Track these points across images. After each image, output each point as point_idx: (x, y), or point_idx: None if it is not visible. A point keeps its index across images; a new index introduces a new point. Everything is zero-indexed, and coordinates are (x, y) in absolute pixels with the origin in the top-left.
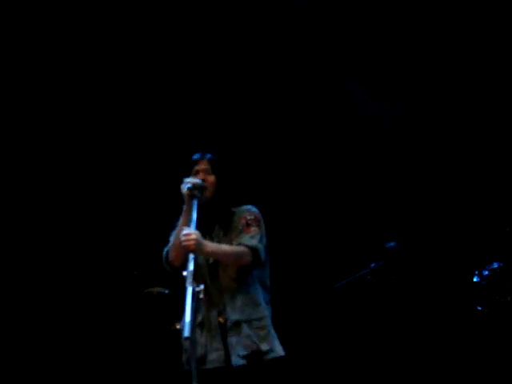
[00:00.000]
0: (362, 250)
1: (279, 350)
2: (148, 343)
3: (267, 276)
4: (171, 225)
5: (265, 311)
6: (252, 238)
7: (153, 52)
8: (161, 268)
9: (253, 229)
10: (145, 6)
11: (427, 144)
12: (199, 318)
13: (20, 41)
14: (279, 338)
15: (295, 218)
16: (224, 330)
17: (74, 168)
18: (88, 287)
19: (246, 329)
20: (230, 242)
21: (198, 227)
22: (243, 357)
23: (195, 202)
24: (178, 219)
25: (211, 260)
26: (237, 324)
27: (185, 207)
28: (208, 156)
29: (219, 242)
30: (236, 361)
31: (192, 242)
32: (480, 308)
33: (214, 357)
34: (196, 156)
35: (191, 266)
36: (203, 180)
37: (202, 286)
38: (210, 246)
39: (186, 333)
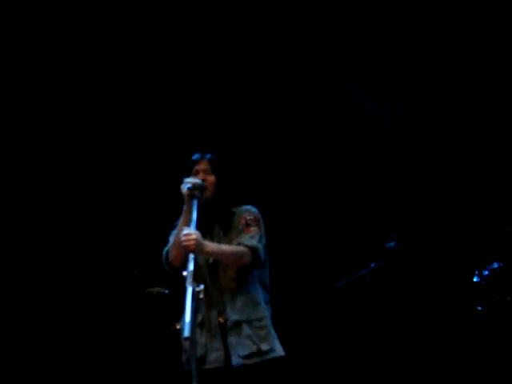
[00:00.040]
0: (362, 250)
1: (279, 350)
2: (148, 343)
3: (267, 276)
4: (171, 225)
5: (265, 311)
6: (252, 237)
7: (153, 52)
8: (161, 268)
9: (252, 229)
10: (145, 6)
11: (427, 144)
12: (199, 318)
13: (20, 41)
14: (279, 337)
15: (295, 218)
16: (224, 330)
17: (74, 168)
18: (88, 287)
19: (246, 329)
20: (229, 242)
21: (197, 227)
22: (243, 357)
23: (195, 202)
24: (177, 219)
25: (211, 260)
26: (237, 324)
27: (185, 207)
28: (208, 156)
29: (219, 241)
30: (236, 361)
31: (192, 242)
32: (480, 308)
33: (214, 357)
34: (196, 156)
35: (191, 266)
36: (203, 180)
37: (202, 286)
38: (210, 246)
39: (186, 333)
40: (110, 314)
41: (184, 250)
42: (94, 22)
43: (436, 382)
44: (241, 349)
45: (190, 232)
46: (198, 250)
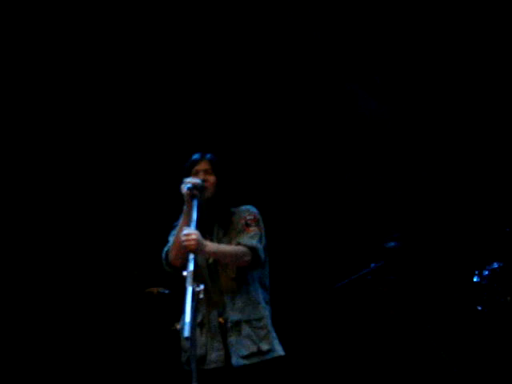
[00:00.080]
0: (362, 250)
1: (279, 350)
2: (148, 343)
3: (267, 276)
4: (171, 225)
5: (265, 311)
6: (251, 238)
7: (153, 52)
8: (161, 268)
9: (252, 229)
10: (145, 6)
11: (427, 144)
12: (199, 318)
13: (20, 41)
14: (279, 337)
15: (295, 218)
16: (224, 330)
17: (74, 168)
18: (88, 287)
19: (246, 329)
20: (229, 242)
21: (197, 227)
22: (243, 357)
23: (195, 202)
24: (177, 219)
25: (211, 260)
26: (237, 324)
27: (185, 207)
28: (208, 156)
29: (219, 241)
30: (236, 361)
31: (193, 242)
32: (480, 308)
33: (214, 357)
34: (196, 156)
35: (191, 266)
36: (204, 180)
37: (202, 286)
38: (211, 246)
39: (186, 333)
40: (110, 313)
41: (184, 250)
42: (94, 22)
43: (436, 381)
44: (241, 349)
45: (190, 232)
46: (198, 250)
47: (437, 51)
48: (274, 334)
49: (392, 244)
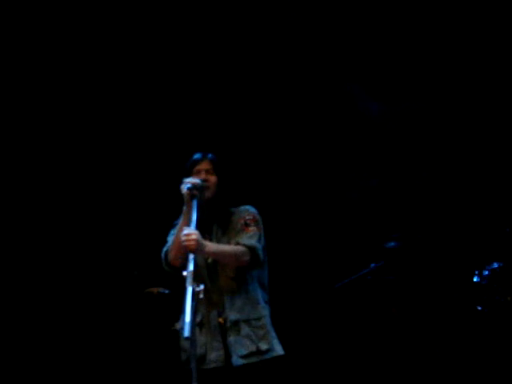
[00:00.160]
0: (362, 250)
1: (278, 350)
2: (148, 343)
3: (266, 276)
4: (171, 225)
5: (264, 311)
6: (250, 237)
7: (153, 52)
8: (161, 268)
9: (251, 229)
10: (145, 6)
11: (427, 144)
12: (198, 318)
13: (20, 41)
14: (279, 337)
15: (295, 218)
16: (224, 330)
17: (74, 168)
18: (88, 287)
19: (245, 328)
20: (228, 242)
21: (197, 227)
22: (242, 356)
23: (195, 202)
24: (176, 219)
25: (210, 260)
26: (236, 323)
27: (185, 207)
28: (209, 156)
29: (218, 241)
30: (235, 360)
31: (192, 242)
32: (480, 308)
33: (214, 356)
34: (197, 156)
35: (191, 266)
36: (204, 180)
37: (202, 286)
38: (211, 246)
39: (186, 333)
40: (111, 314)
41: (184, 250)
42: (94, 21)
43: (436, 381)
44: (240, 348)
45: (190, 232)
46: (198, 250)
47: (437, 51)
48: (273, 334)
49: (392, 244)
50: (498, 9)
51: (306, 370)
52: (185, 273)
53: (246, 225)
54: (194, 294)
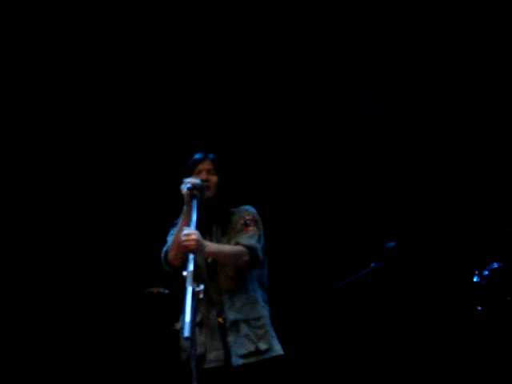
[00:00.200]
0: (362, 250)
1: (278, 349)
2: (148, 343)
3: (265, 276)
4: (171, 225)
5: (263, 311)
6: (250, 237)
7: (153, 52)
8: (161, 268)
9: (251, 229)
10: (145, 6)
11: (427, 144)
12: (198, 318)
13: (20, 41)
14: (279, 337)
15: (295, 218)
16: (223, 330)
17: (74, 168)
18: (88, 287)
19: (244, 328)
20: (228, 242)
21: (197, 227)
22: (242, 356)
23: (195, 202)
24: (176, 219)
25: (210, 260)
26: (235, 323)
27: (185, 207)
28: (211, 156)
29: (217, 241)
30: (235, 360)
31: (193, 243)
32: (480, 308)
33: (214, 356)
34: (198, 156)
35: (191, 266)
36: (205, 180)
37: (202, 286)
38: (211, 246)
39: (186, 333)
40: (111, 314)
41: (184, 250)
42: (94, 21)
43: (436, 381)
44: (239, 348)
45: (190, 232)
46: (198, 250)
47: (437, 51)
48: (272, 334)
49: (392, 244)
50: (498, 9)
51: (305, 370)
52: (185, 273)
53: (246, 225)
54: (194, 294)
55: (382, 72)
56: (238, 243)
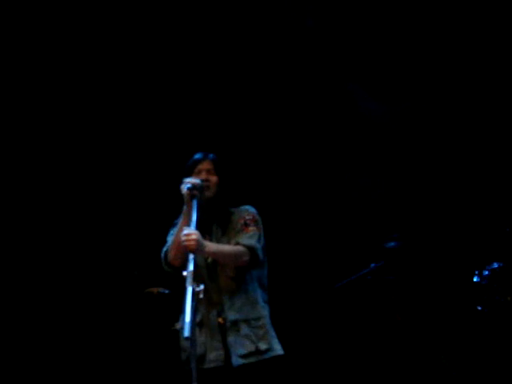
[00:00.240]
0: (362, 250)
1: (278, 349)
2: (148, 343)
3: (265, 276)
4: (171, 225)
5: (263, 311)
6: (250, 237)
7: (153, 52)
8: (161, 268)
9: (251, 229)
10: (145, 6)
11: (428, 144)
12: (198, 318)
13: (20, 41)
14: (279, 337)
15: (295, 218)
16: (223, 330)
17: (74, 168)
18: (88, 287)
19: (244, 328)
20: (228, 242)
21: (197, 227)
22: (241, 356)
23: (195, 202)
24: (176, 219)
25: (209, 259)
26: (235, 323)
27: (185, 207)
28: (211, 156)
29: (217, 241)
30: (235, 360)
31: (193, 243)
32: (480, 308)
33: (214, 356)
34: (198, 155)
35: (191, 266)
36: (205, 180)
37: (202, 286)
38: (211, 246)
39: (186, 333)
40: (111, 314)
41: (184, 250)
42: (94, 21)
43: (436, 381)
44: (239, 348)
45: (190, 232)
46: (198, 250)
47: (437, 51)
48: (272, 334)
49: (392, 244)
50: (498, 9)
51: (305, 370)
52: (185, 273)
53: (246, 225)
54: (194, 294)
55: (382, 72)
56: (237, 243)
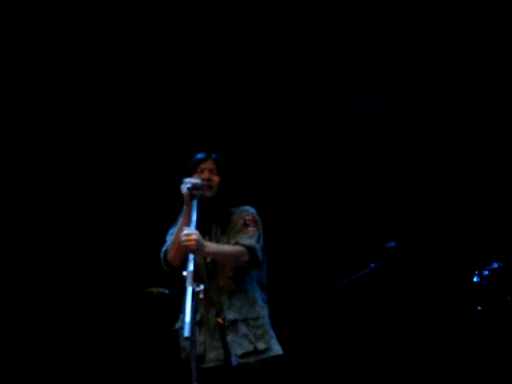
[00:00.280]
0: (362, 250)
1: (276, 349)
2: (148, 343)
3: (265, 276)
4: (171, 225)
5: (262, 311)
6: (249, 238)
7: (154, 52)
8: (161, 268)
9: (250, 229)
10: (145, 6)
11: (427, 144)
12: (197, 317)
13: (20, 41)
14: (279, 337)
15: (295, 218)
16: (223, 329)
17: (75, 168)
18: (88, 287)
19: (242, 328)
20: (227, 242)
21: (197, 227)
22: (240, 356)
23: (195, 202)
24: (176, 219)
25: (209, 259)
26: (234, 323)
27: (185, 207)
28: (213, 156)
29: (217, 241)
30: (234, 360)
31: (193, 243)
32: (480, 308)
33: (213, 355)
34: (201, 155)
35: (191, 266)
36: (207, 179)
37: (202, 286)
38: (210, 246)
39: (186, 333)
40: (111, 314)
41: (184, 250)
42: (94, 21)
43: (436, 381)
44: (237, 348)
45: (190, 232)
46: (198, 250)
47: (436, 51)
48: (271, 334)
49: (392, 244)
50: (497, 9)
51: (305, 370)
52: (185, 273)
53: (246, 225)
54: (194, 294)
55: (382, 72)
56: (237, 243)
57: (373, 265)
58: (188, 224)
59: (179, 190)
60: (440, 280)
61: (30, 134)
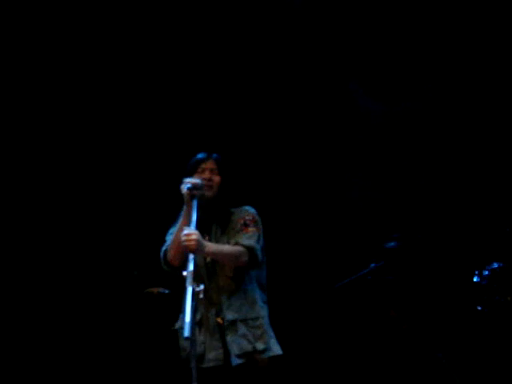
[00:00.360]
0: (362, 250)
1: (276, 349)
2: (148, 343)
3: (265, 276)
4: (171, 225)
5: (262, 311)
6: (249, 238)
7: (154, 52)
8: (161, 268)
9: (250, 229)
10: (145, 6)
11: (427, 144)
12: (197, 317)
13: (20, 41)
14: (278, 337)
15: (295, 218)
16: (222, 329)
17: (75, 168)
18: (88, 287)
19: (242, 328)
20: (227, 242)
21: (197, 226)
22: (239, 356)
23: (195, 202)
24: (176, 219)
25: (208, 259)
26: (233, 323)
27: (185, 207)
28: (215, 156)
29: (217, 241)
30: (233, 360)
31: (193, 243)
32: (480, 308)
33: (213, 355)
34: (202, 155)
35: (191, 266)
36: (208, 179)
37: (202, 286)
38: (210, 246)
39: (186, 333)
40: (111, 314)
41: (184, 250)
42: (94, 21)
43: (436, 382)
44: (236, 348)
45: (190, 232)
46: (198, 250)
47: (436, 51)
48: (271, 334)
49: (392, 244)
50: (497, 9)
51: (304, 370)
52: (185, 273)
53: (246, 225)
54: (194, 294)
55: (382, 72)
56: (237, 243)
57: (373, 265)
58: (188, 224)
59: (179, 190)
60: (440, 280)
61: (30, 134)
